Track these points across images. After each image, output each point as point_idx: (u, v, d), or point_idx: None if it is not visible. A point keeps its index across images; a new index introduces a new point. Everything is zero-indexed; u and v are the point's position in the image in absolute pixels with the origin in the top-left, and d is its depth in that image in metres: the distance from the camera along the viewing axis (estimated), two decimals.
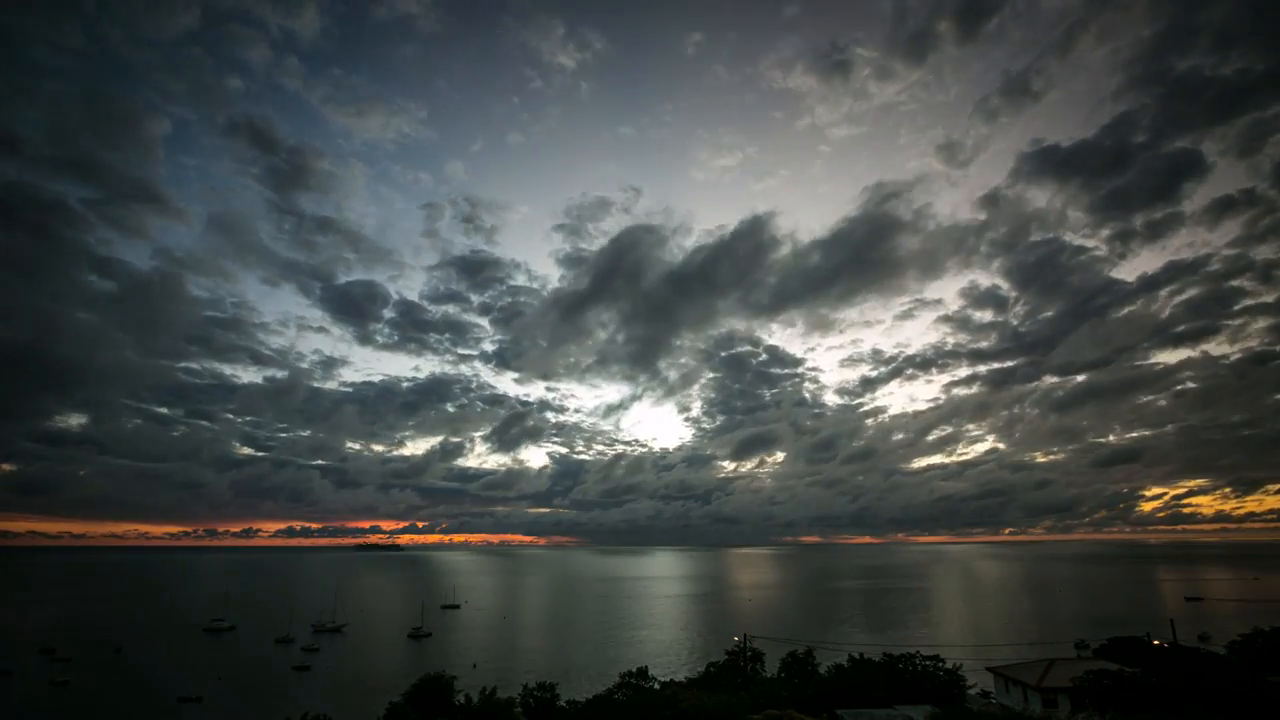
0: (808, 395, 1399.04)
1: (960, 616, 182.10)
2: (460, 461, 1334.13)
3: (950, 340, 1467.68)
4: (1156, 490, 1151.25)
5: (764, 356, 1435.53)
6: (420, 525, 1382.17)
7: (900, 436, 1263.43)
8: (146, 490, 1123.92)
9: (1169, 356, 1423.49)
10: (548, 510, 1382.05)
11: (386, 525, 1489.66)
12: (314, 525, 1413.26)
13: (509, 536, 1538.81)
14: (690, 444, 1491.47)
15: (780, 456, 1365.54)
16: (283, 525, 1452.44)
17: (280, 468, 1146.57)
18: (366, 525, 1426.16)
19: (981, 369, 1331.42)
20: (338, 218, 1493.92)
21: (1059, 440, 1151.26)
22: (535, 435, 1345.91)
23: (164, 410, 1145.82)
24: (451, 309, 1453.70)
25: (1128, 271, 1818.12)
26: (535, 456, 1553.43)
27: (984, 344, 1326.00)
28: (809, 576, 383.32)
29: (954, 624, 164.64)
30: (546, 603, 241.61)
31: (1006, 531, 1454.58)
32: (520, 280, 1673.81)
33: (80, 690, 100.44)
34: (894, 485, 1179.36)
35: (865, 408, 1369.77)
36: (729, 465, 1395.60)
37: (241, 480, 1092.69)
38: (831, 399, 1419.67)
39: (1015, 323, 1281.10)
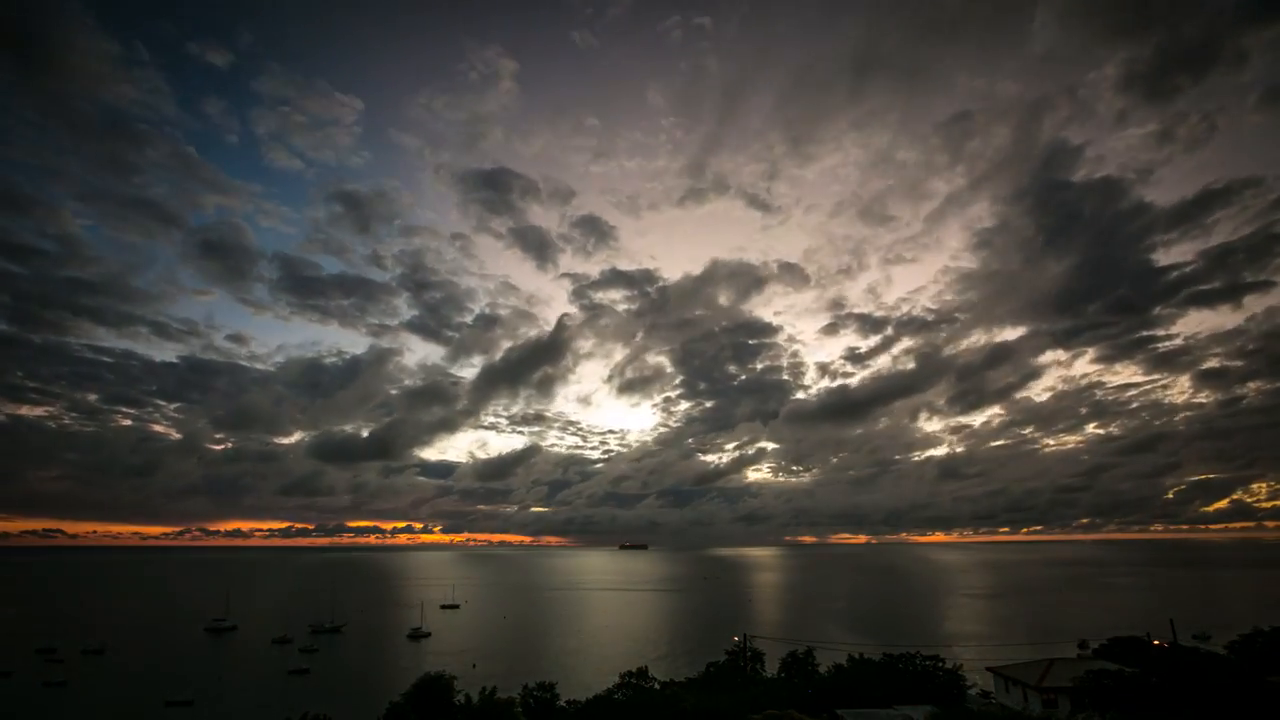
0: (787, 375, 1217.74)
1: None
2: (423, 453, 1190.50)
3: (953, 297, 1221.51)
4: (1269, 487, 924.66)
5: (726, 323, 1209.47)
6: (418, 526, 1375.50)
7: (903, 420, 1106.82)
8: (91, 486, 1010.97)
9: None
10: (536, 510, 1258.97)
11: (385, 525, 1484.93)
12: (309, 525, 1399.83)
13: (507, 537, 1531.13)
14: (662, 436, 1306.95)
15: (764, 449, 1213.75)
16: (278, 525, 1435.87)
17: (236, 457, 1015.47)
18: (368, 524, 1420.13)
19: (993, 334, 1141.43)
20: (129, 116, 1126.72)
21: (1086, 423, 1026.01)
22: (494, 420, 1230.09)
23: (77, 395, 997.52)
24: (339, 263, 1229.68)
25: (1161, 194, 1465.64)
26: (507, 445, 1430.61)
27: (993, 306, 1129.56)
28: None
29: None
30: (546, 603, 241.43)
31: (1024, 531, 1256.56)
32: (423, 219, 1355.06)
33: (75, 691, 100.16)
34: (902, 479, 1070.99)
35: (855, 384, 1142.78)
36: (705, 459, 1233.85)
37: (202, 473, 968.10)
38: (814, 376, 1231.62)
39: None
